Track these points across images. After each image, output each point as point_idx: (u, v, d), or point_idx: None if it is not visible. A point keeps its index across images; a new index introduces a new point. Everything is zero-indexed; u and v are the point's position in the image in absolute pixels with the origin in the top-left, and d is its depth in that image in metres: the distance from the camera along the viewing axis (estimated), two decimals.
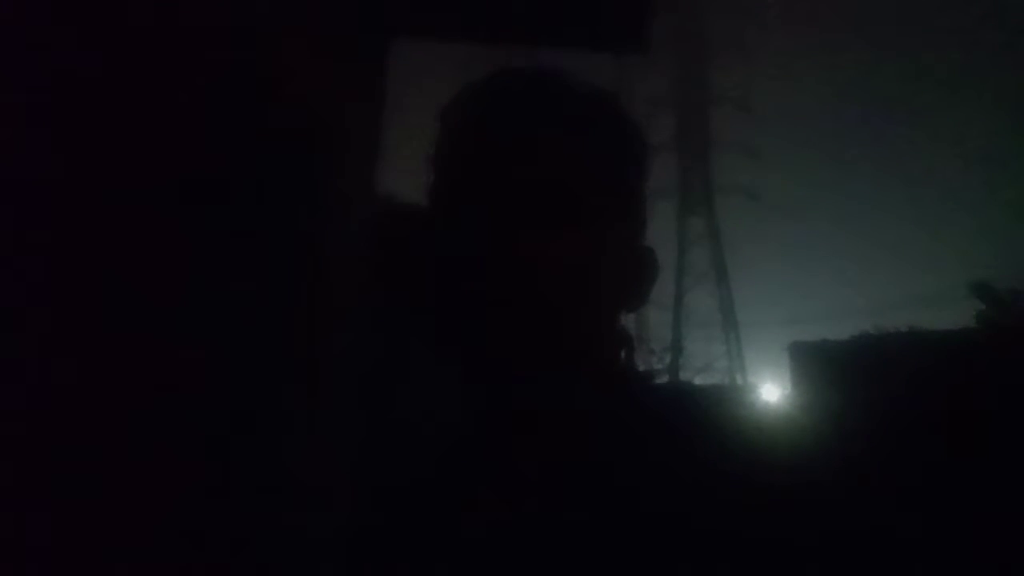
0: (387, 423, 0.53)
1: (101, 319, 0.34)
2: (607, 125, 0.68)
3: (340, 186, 0.45)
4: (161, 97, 0.37)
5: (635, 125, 0.70)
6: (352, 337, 0.44)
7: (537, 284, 0.58)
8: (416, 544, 0.56)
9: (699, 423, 0.62)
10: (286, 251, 0.41)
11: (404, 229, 0.62)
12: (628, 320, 0.73)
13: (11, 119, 0.34)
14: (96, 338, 0.34)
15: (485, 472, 0.59)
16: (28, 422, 0.32)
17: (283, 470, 0.40)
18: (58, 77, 0.34)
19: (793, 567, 0.54)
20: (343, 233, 0.44)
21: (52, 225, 0.33)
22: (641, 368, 0.73)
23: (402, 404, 0.56)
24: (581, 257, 0.60)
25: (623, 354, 0.68)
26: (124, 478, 0.34)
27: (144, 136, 0.36)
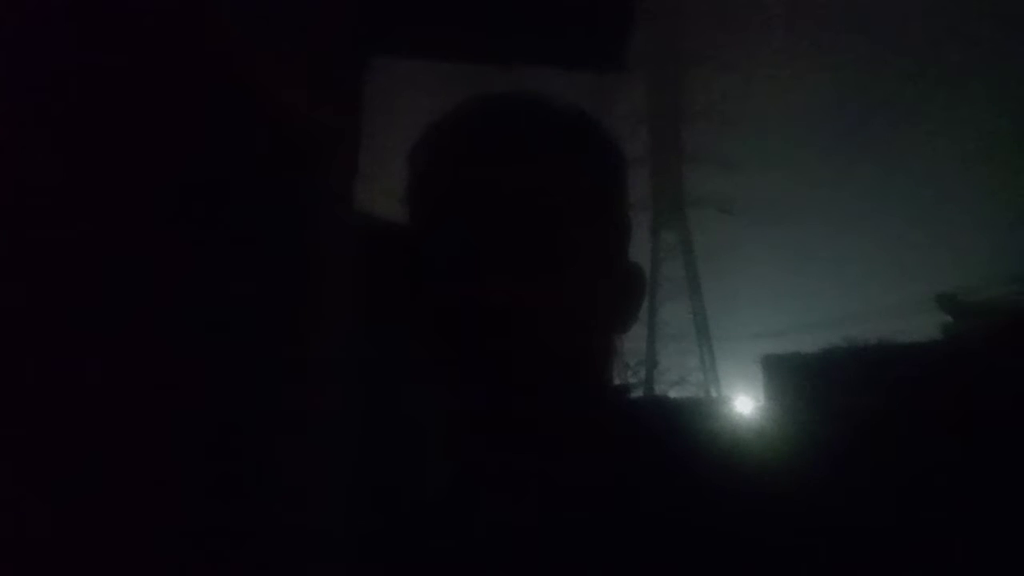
0: (382, 428, 0.53)
1: (99, 321, 0.34)
2: (585, 139, 0.68)
3: (332, 195, 0.45)
4: (156, 108, 0.37)
5: (611, 138, 0.71)
6: (347, 342, 0.45)
7: (526, 314, 0.58)
8: (415, 546, 0.56)
9: (674, 435, 0.63)
10: (281, 256, 0.41)
11: (392, 242, 0.62)
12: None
13: (10, 123, 0.34)
14: (92, 339, 0.34)
15: (468, 478, 0.60)
16: (28, 422, 0.32)
17: (280, 472, 0.40)
18: (56, 82, 0.34)
19: (766, 573, 0.55)
20: (336, 239, 0.45)
21: (51, 226, 0.33)
22: (616, 383, 0.74)
23: (396, 408, 0.56)
24: (569, 286, 0.60)
25: (602, 369, 0.69)
26: (123, 478, 0.34)
27: (135, 146, 0.36)
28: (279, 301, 0.39)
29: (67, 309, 0.34)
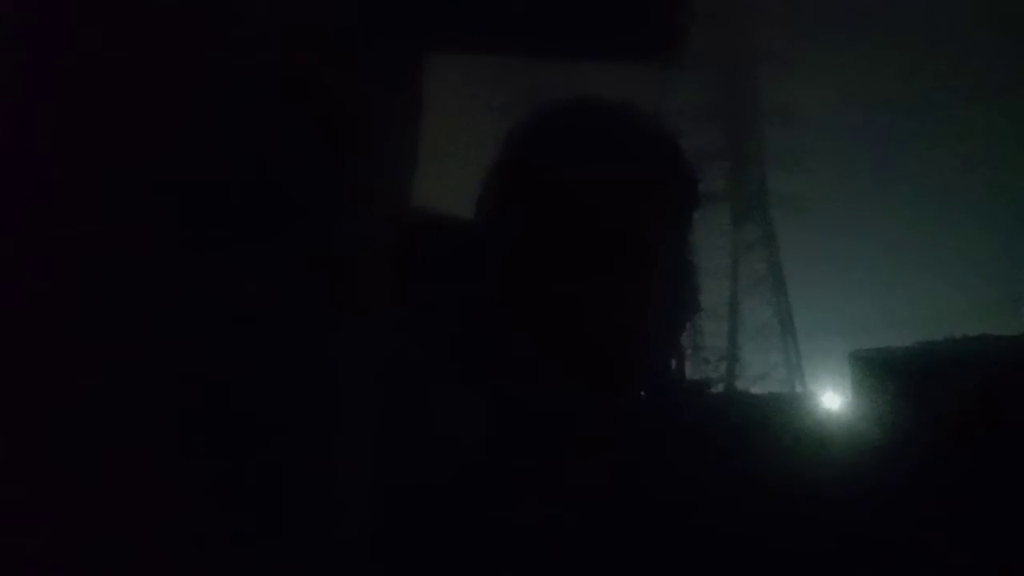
0: (415, 427, 0.52)
1: (115, 320, 0.35)
2: (668, 158, 0.68)
3: (368, 188, 0.44)
4: (186, 98, 0.37)
5: (690, 167, 0.71)
6: (378, 339, 0.44)
7: (582, 326, 0.58)
8: (447, 549, 0.56)
9: (752, 433, 0.61)
10: (308, 252, 0.40)
11: (440, 238, 0.62)
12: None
13: (28, 115, 0.34)
14: (111, 338, 0.34)
15: (523, 480, 0.59)
16: (33, 425, 0.33)
17: (302, 472, 0.39)
18: (65, 73, 0.34)
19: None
20: (370, 235, 0.44)
21: (64, 224, 0.34)
22: (696, 378, 0.72)
23: (430, 408, 0.55)
24: (629, 302, 0.60)
25: (674, 364, 0.68)
26: (141, 481, 0.34)
27: (164, 135, 0.36)
28: (308, 296, 0.39)
29: (97, 305, 0.35)
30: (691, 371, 0.74)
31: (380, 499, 0.42)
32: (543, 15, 0.59)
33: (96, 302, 0.34)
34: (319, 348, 0.39)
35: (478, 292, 0.58)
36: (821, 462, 0.61)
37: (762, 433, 0.63)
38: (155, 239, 0.35)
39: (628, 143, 0.68)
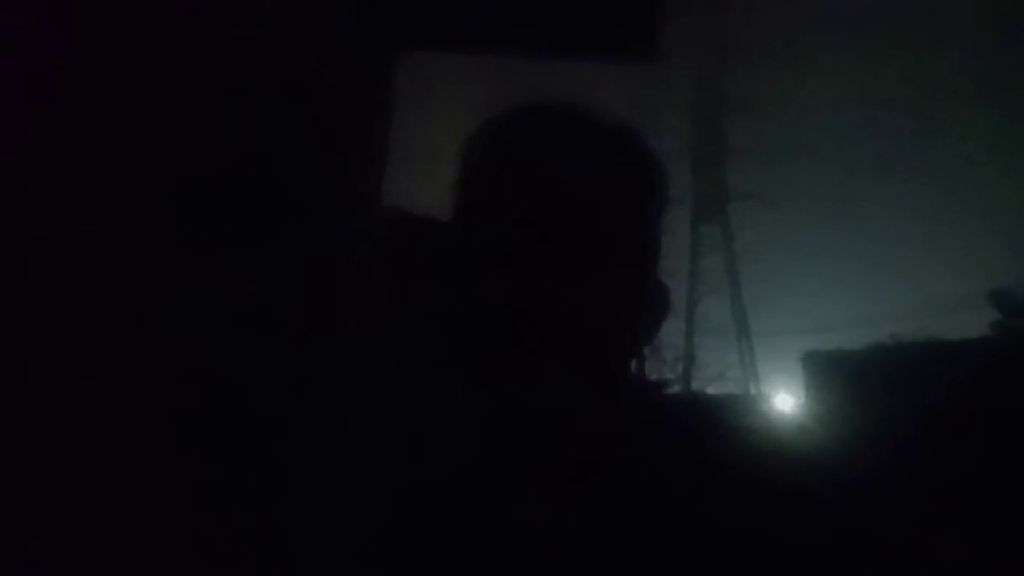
0: (405, 426, 0.53)
1: (115, 319, 0.35)
2: (632, 160, 0.70)
3: (354, 189, 0.45)
4: (172, 100, 0.37)
5: (658, 160, 0.72)
6: (377, 339, 0.44)
7: (555, 319, 0.59)
8: (442, 546, 0.56)
9: (710, 432, 0.63)
10: (308, 252, 0.41)
11: (420, 236, 0.62)
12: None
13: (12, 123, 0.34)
14: (111, 338, 0.34)
15: (523, 480, 0.60)
16: (33, 425, 0.33)
17: (301, 472, 0.40)
18: (65, 73, 0.34)
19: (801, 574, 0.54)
20: (370, 235, 0.45)
21: (64, 224, 0.34)
22: (653, 378, 0.74)
23: (429, 408, 0.56)
24: (601, 294, 0.61)
25: (634, 364, 0.69)
26: (141, 481, 0.35)
27: (154, 138, 0.37)
28: (301, 294, 0.39)
29: (84, 305, 0.35)
30: (649, 371, 0.76)
31: (380, 499, 0.42)
32: (536, 16, 0.60)
33: (96, 302, 0.34)
34: (318, 348, 0.39)
35: (477, 291, 0.59)
36: (780, 460, 0.63)
37: (728, 432, 0.65)
38: (155, 239, 0.35)
39: (608, 143, 0.69)
